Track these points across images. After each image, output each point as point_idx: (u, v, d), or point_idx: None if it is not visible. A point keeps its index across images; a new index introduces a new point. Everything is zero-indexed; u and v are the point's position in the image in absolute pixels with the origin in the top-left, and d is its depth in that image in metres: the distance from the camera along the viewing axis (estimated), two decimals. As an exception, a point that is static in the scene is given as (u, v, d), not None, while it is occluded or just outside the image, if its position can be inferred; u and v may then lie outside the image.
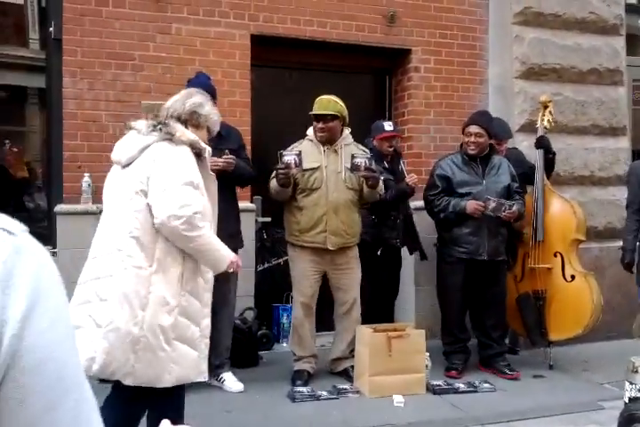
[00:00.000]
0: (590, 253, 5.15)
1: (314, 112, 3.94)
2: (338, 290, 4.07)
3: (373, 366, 3.78)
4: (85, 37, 4.29)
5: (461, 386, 3.95)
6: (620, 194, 5.38)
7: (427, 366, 3.95)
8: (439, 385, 3.94)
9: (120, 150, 2.48)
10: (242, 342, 4.21)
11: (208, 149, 2.51)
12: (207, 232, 2.37)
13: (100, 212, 4.08)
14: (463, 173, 4.24)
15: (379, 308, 4.45)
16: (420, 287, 4.93)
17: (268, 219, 4.84)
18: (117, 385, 2.41)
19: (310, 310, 4.03)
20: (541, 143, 4.56)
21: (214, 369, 3.89)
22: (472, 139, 4.20)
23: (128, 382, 2.31)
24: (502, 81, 5.31)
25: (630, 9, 5.99)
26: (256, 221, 4.73)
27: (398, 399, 3.68)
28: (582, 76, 5.42)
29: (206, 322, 2.47)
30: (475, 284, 4.29)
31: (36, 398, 0.56)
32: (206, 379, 2.58)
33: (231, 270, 2.56)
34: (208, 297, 2.50)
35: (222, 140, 3.85)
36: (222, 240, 2.51)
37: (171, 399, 2.46)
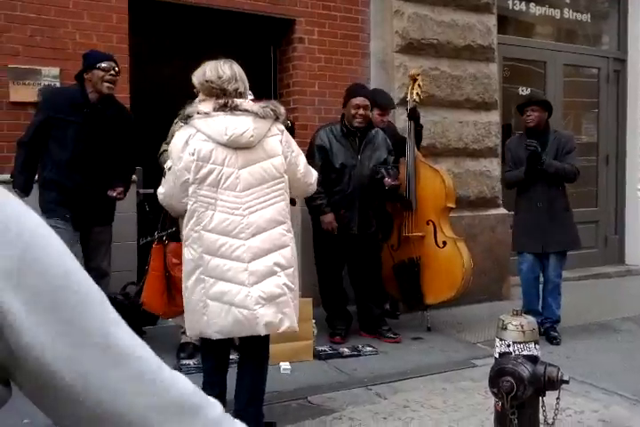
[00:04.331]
0: (463, 221, 5.45)
1: None
2: None
3: (261, 336, 3.81)
4: (-60, -8, 3.91)
5: (346, 350, 4.09)
6: (491, 165, 5.71)
7: (313, 332, 4.05)
8: (325, 351, 4.06)
9: (239, 131, 2.65)
10: (124, 318, 4.06)
11: None
12: None
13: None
14: (340, 146, 4.24)
15: None
16: (305, 257, 4.99)
17: (151, 190, 4.68)
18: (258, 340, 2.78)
19: None
20: (413, 114, 4.69)
21: None
22: (360, 111, 4.15)
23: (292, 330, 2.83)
24: (383, 55, 5.42)
25: (501, -11, 6.28)
26: (137, 192, 4.57)
27: (285, 366, 3.74)
28: (457, 51, 5.65)
29: None
30: (349, 254, 4.39)
31: None
32: None
33: None
34: None
35: (108, 120, 3.70)
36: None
37: None
